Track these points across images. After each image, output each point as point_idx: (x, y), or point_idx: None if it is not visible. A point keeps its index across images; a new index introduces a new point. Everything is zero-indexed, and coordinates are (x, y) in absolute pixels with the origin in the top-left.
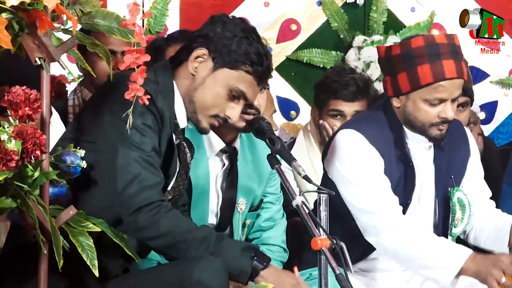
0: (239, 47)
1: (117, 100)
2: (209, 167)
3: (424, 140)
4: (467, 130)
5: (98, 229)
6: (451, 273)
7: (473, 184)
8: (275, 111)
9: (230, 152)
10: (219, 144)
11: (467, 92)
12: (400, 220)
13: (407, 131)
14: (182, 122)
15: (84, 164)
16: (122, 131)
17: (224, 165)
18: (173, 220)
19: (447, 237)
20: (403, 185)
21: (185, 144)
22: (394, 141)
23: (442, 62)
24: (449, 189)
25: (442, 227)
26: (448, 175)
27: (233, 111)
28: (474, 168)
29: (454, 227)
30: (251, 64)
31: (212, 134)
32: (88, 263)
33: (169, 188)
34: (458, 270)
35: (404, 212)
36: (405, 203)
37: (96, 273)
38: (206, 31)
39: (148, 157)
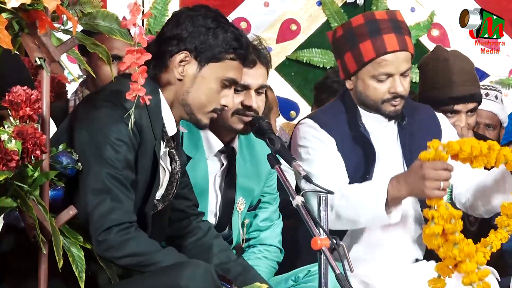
0: (217, 38)
1: (96, 118)
2: (208, 167)
3: (382, 118)
4: (440, 115)
5: (88, 246)
6: (381, 204)
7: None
8: (279, 115)
9: (229, 153)
10: (218, 144)
11: (476, 97)
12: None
13: (362, 111)
14: (171, 129)
15: (79, 166)
16: (97, 147)
17: (223, 165)
18: (144, 240)
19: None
20: (364, 163)
21: (174, 152)
22: (348, 123)
23: (382, 36)
24: None
25: (417, 202)
26: (418, 153)
27: (228, 99)
28: None
29: None
30: (233, 51)
31: (210, 134)
32: (76, 274)
33: (158, 198)
34: (385, 198)
35: None
36: (365, 178)
37: (82, 286)
38: (177, 31)
39: (119, 175)
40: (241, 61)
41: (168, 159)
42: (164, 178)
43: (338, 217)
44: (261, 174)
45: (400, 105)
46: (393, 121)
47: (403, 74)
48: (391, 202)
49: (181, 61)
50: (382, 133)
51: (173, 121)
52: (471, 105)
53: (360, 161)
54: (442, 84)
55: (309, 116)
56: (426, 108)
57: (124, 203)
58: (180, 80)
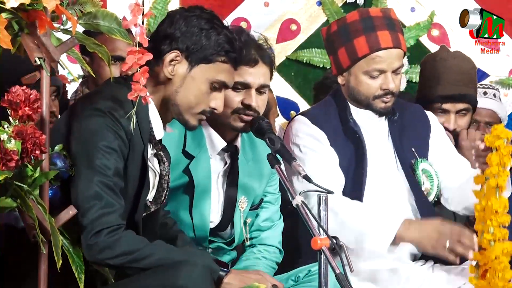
0: (209, 40)
1: (85, 127)
2: (211, 166)
3: (373, 115)
4: (428, 113)
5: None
6: (387, 240)
7: (441, 158)
8: (278, 115)
9: (232, 151)
10: (221, 143)
11: (467, 98)
12: (336, 200)
13: (352, 107)
14: (159, 133)
15: (73, 172)
16: (87, 155)
17: (226, 163)
18: (133, 238)
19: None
20: (354, 155)
21: (162, 154)
22: (339, 117)
23: (377, 33)
24: (412, 161)
25: (416, 193)
26: (409, 148)
27: (218, 102)
28: (439, 144)
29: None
30: (225, 53)
31: (213, 133)
32: (76, 275)
33: (150, 199)
34: (393, 238)
35: (361, 180)
36: (359, 173)
37: (81, 287)
38: (170, 30)
39: (109, 181)
40: (232, 65)
41: (156, 160)
42: (155, 180)
43: (343, 227)
44: (263, 173)
45: (391, 102)
46: (383, 117)
47: (395, 72)
48: (395, 240)
49: (171, 60)
50: (373, 129)
51: (161, 124)
52: (460, 106)
53: (352, 155)
54: (434, 82)
55: (301, 113)
56: (416, 106)
57: (114, 208)
58: (170, 79)
